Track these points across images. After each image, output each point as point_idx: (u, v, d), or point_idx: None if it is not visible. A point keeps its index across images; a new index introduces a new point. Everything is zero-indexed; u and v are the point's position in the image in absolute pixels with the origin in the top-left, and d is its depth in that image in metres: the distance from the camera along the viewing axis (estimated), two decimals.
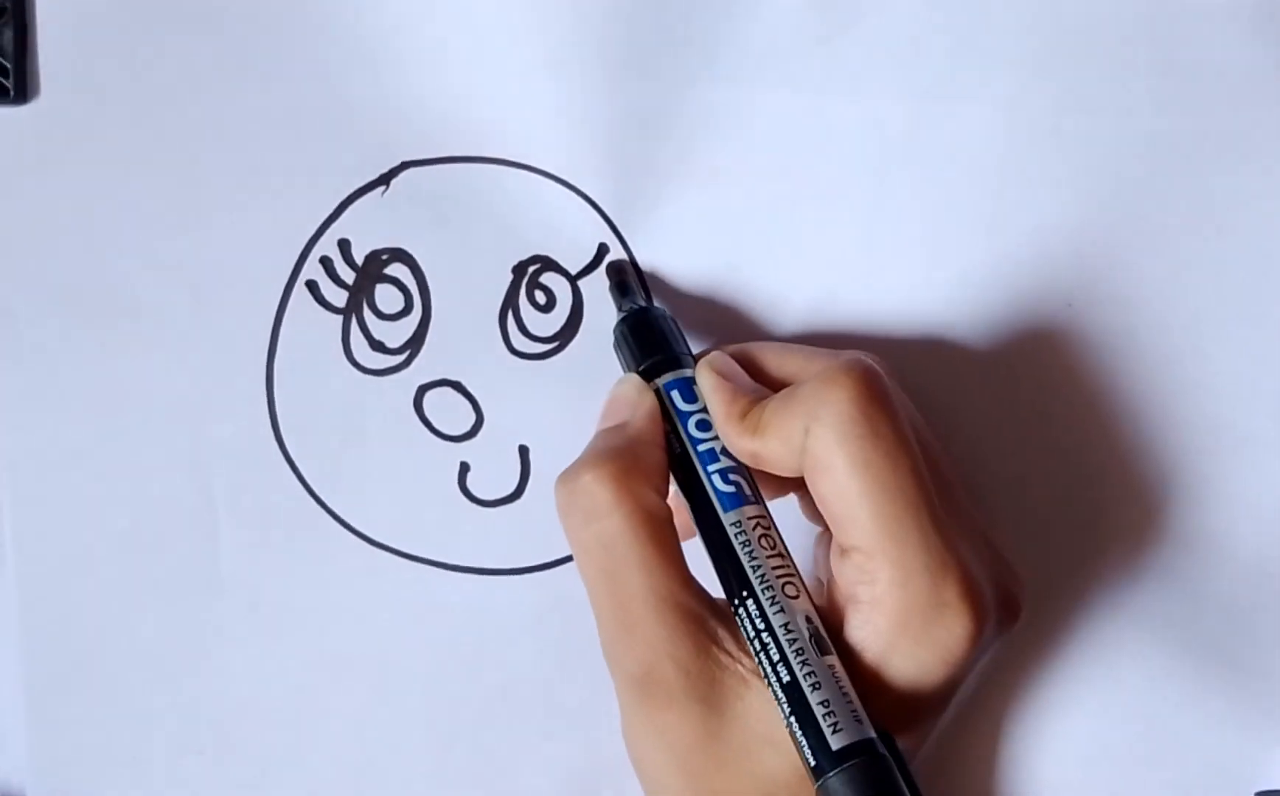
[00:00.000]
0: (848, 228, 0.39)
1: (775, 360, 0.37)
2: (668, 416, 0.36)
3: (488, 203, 0.39)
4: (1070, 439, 0.40)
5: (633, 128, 0.39)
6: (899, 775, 0.31)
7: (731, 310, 0.40)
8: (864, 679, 0.33)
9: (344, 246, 0.39)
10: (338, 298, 0.39)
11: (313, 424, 0.39)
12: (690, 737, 0.34)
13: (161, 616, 0.39)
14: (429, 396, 0.39)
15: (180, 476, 0.39)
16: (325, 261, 0.39)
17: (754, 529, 0.34)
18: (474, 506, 0.40)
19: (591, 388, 0.38)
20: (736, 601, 0.33)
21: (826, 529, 0.35)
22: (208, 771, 0.40)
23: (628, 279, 0.39)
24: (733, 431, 0.35)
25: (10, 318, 0.38)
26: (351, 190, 0.39)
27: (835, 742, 0.31)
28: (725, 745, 0.33)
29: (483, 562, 0.40)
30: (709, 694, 0.33)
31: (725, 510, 0.34)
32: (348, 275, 0.39)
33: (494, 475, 0.40)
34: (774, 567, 0.33)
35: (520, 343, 0.39)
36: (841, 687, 0.32)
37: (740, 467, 0.35)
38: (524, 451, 0.40)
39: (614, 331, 0.38)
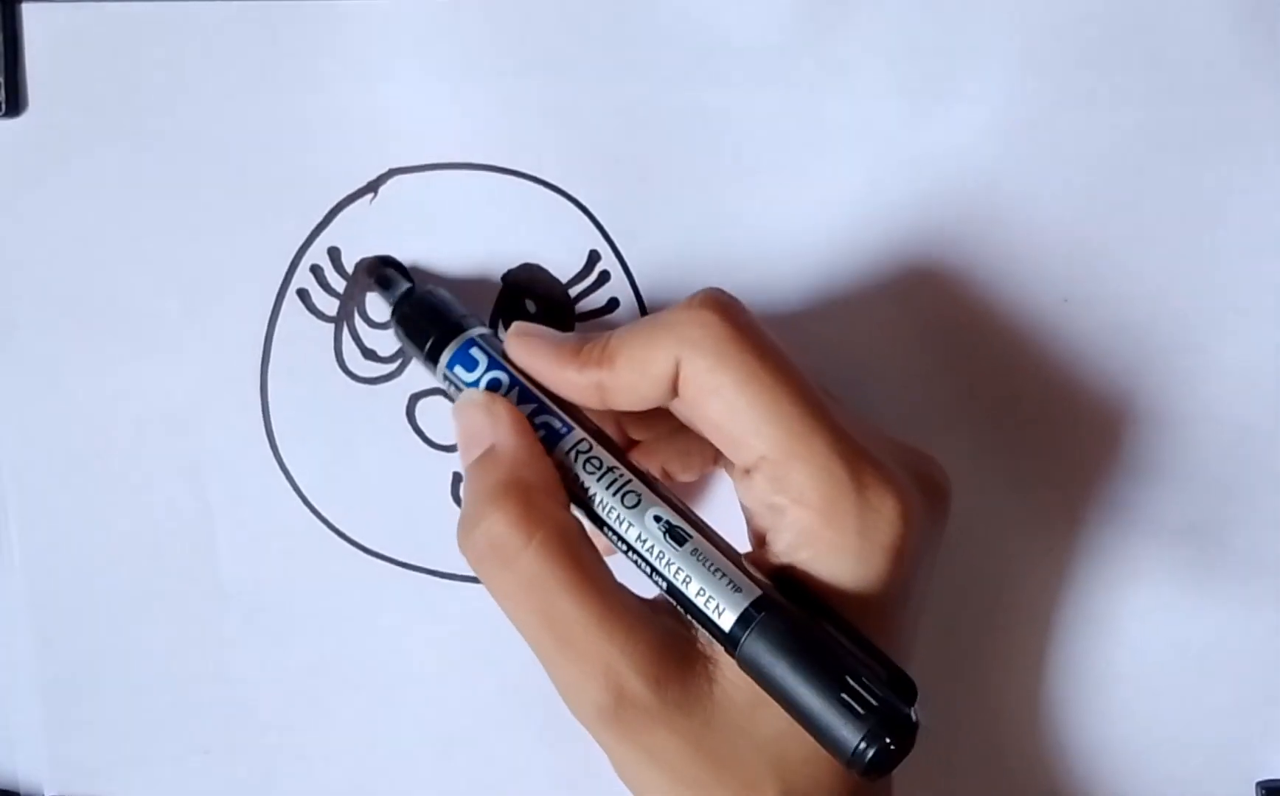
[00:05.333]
0: (841, 227, 0.39)
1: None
2: None
3: (477, 210, 0.38)
4: (1067, 434, 0.40)
5: (623, 131, 0.38)
6: (795, 611, 0.31)
7: None
8: (811, 588, 0.32)
9: (334, 254, 0.39)
10: (329, 306, 0.39)
11: (307, 432, 0.39)
12: (684, 748, 0.32)
13: (165, 622, 0.40)
14: (421, 405, 0.39)
15: (178, 485, 0.39)
16: (316, 270, 0.39)
17: (576, 459, 0.33)
18: None
19: None
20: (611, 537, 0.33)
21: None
22: (214, 771, 0.41)
23: (384, 271, 0.38)
24: (571, 365, 0.33)
25: (9, 328, 0.39)
26: (340, 198, 0.38)
27: (726, 622, 0.31)
28: (721, 734, 0.32)
29: None
30: (683, 694, 0.32)
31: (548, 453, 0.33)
32: (338, 283, 0.39)
33: None
34: (607, 485, 0.33)
35: None
36: (710, 565, 0.31)
37: (544, 407, 0.34)
38: None
39: (393, 331, 0.38)
